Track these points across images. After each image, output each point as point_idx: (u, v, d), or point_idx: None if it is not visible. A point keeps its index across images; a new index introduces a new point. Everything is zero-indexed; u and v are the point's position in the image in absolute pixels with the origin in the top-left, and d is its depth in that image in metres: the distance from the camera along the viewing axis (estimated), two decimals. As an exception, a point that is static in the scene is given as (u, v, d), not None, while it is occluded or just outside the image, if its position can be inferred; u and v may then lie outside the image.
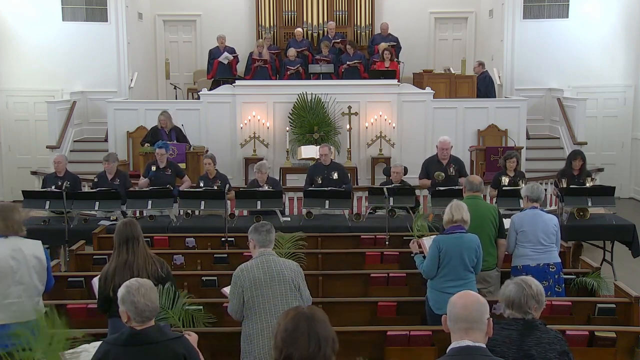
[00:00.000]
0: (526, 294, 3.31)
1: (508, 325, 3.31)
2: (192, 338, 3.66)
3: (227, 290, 4.91)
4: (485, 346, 2.79)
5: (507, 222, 6.17)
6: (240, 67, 13.88)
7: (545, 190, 7.91)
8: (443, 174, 8.26)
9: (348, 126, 11.35)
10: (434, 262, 5.11)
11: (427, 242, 5.42)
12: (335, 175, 8.55)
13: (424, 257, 5.32)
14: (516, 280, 3.40)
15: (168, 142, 9.99)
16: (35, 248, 4.74)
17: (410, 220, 6.16)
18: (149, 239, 6.81)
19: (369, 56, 13.26)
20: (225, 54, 12.71)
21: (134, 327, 3.29)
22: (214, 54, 12.93)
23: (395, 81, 11.65)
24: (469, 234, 5.20)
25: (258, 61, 12.49)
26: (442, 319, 2.92)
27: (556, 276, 5.75)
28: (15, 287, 4.59)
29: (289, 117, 11.44)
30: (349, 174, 9.25)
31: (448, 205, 5.29)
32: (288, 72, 12.48)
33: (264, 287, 4.25)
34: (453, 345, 2.81)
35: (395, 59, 12.55)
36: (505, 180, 8.23)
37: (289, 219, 8.25)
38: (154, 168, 8.79)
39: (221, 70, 12.71)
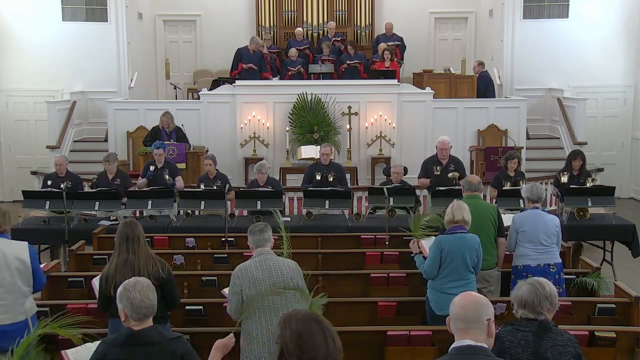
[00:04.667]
0: (539, 295, 3.32)
1: (522, 327, 3.32)
2: (229, 341, 3.63)
3: (226, 291, 4.90)
4: (487, 346, 2.79)
5: (509, 220, 6.17)
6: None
7: (546, 190, 7.91)
8: (457, 174, 8.17)
9: (348, 126, 11.35)
10: (435, 262, 5.10)
11: (427, 243, 5.41)
12: (332, 177, 8.52)
13: (424, 257, 5.32)
14: (530, 281, 3.42)
15: (167, 142, 9.99)
16: (18, 250, 4.74)
17: (411, 220, 6.13)
18: (149, 239, 6.80)
19: (370, 56, 13.25)
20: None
21: (131, 328, 3.28)
22: (242, 56, 12.38)
23: (395, 81, 11.65)
24: (470, 234, 5.20)
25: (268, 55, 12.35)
26: (446, 320, 2.92)
27: (557, 276, 5.74)
28: None
29: (289, 117, 11.43)
30: (347, 175, 9.24)
31: (449, 206, 5.29)
32: (289, 73, 12.46)
33: (263, 285, 4.25)
34: (455, 344, 2.81)
35: (396, 59, 12.54)
36: (506, 183, 8.20)
37: (289, 219, 8.25)
38: (152, 168, 8.79)
39: (245, 73, 12.34)
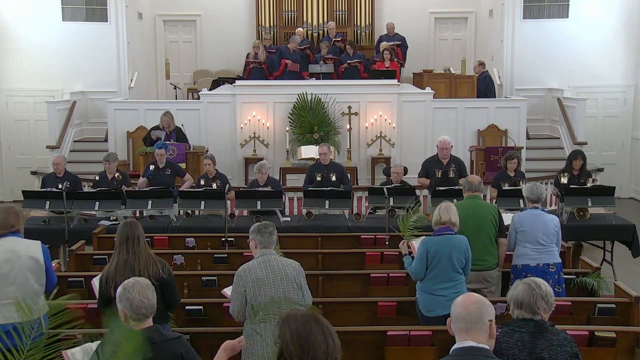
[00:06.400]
0: (535, 294, 3.31)
1: (518, 327, 3.31)
2: (237, 344, 3.32)
3: (227, 291, 4.90)
4: (488, 348, 2.78)
5: (508, 220, 6.16)
6: (239, 68, 13.88)
7: (546, 190, 7.91)
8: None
9: (348, 126, 11.35)
10: (422, 263, 5.09)
11: (417, 244, 5.41)
12: (334, 177, 8.53)
13: (413, 258, 5.32)
14: (526, 281, 3.42)
15: (167, 142, 9.99)
16: (32, 249, 4.74)
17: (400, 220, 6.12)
18: (149, 239, 6.80)
19: (370, 56, 13.23)
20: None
21: (132, 328, 3.27)
22: (283, 53, 12.37)
23: (395, 81, 11.65)
24: (458, 235, 5.18)
25: (252, 63, 12.37)
26: (447, 321, 2.92)
27: (556, 276, 5.74)
28: (9, 288, 4.59)
29: (289, 117, 11.43)
30: (348, 174, 9.23)
31: (437, 207, 5.28)
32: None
33: (267, 286, 4.25)
34: (456, 345, 2.80)
35: (397, 59, 12.54)
36: (505, 183, 8.19)
37: (289, 219, 8.25)
38: (152, 167, 8.78)
39: (286, 72, 12.31)
